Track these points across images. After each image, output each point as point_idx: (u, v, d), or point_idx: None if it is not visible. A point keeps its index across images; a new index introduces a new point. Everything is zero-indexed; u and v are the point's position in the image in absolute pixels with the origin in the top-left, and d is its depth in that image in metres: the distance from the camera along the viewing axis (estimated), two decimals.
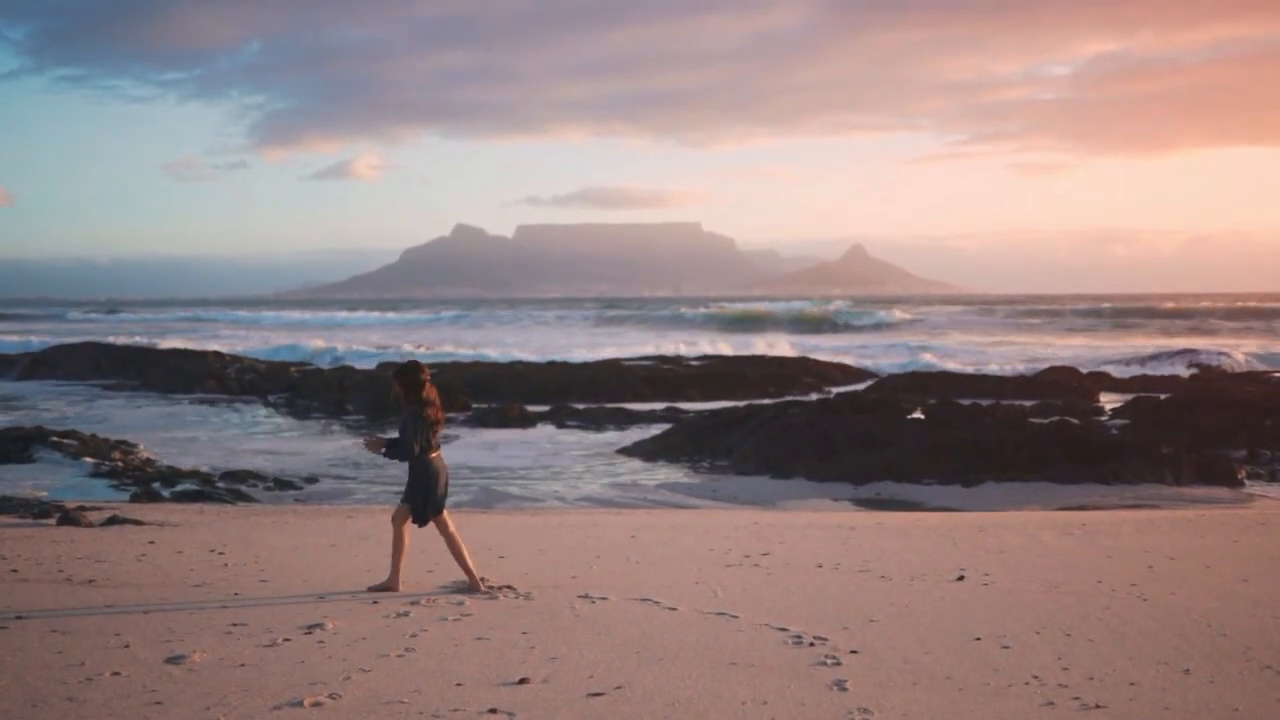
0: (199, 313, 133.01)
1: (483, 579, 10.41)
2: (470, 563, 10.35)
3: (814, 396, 37.12)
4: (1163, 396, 33.95)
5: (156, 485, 21.24)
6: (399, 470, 23.69)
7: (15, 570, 11.25)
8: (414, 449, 10.09)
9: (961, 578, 11.09)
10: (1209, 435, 25.41)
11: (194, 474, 22.65)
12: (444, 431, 11.42)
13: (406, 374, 10.29)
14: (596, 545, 13.03)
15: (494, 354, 58.67)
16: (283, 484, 21.61)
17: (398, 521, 10.29)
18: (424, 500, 10.20)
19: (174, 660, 7.80)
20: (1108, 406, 33.87)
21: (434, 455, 10.24)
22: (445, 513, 10.35)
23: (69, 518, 14.71)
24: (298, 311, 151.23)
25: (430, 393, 10.22)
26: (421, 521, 10.26)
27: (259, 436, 30.31)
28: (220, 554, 12.37)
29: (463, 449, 27.06)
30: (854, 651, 8.23)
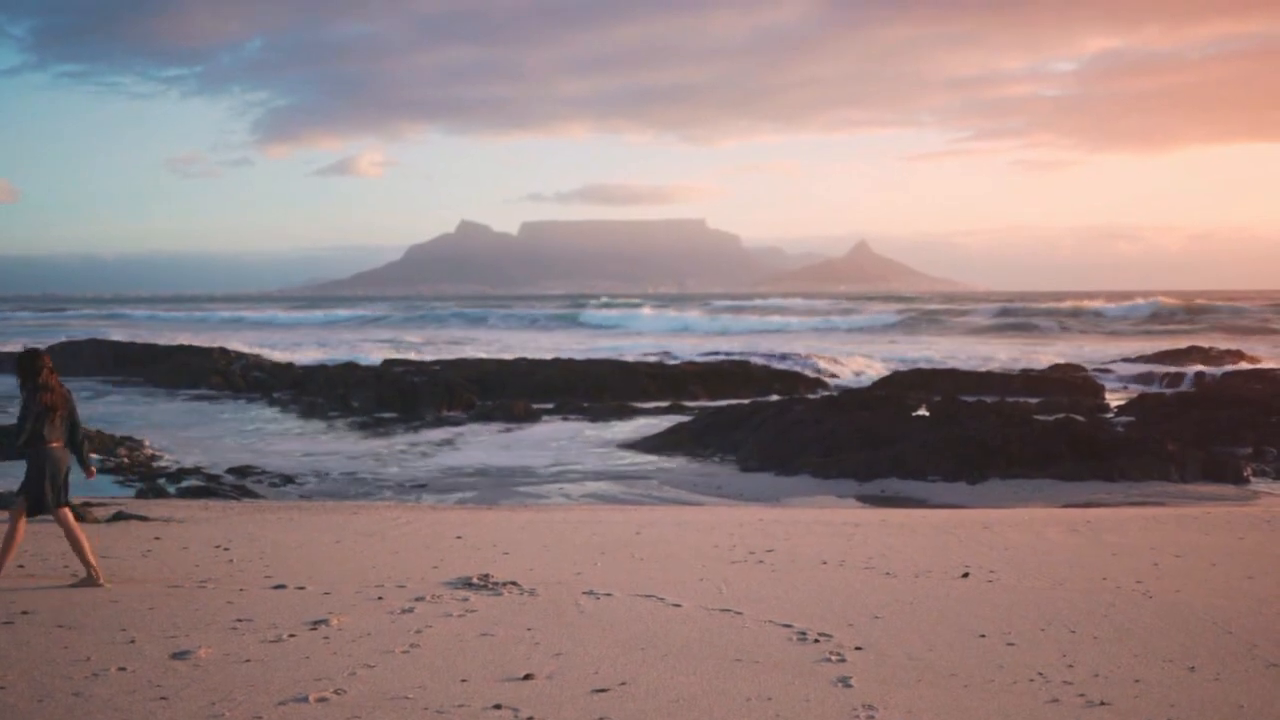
0: (243, 313, 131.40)
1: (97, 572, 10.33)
2: (92, 557, 10.30)
3: (819, 394, 37.11)
4: (1168, 393, 33.95)
5: (162, 481, 21.28)
6: (407, 467, 23.76)
7: (22, 566, 11.27)
8: (23, 435, 10.12)
9: (966, 575, 11.09)
10: (1214, 433, 25.38)
11: (199, 470, 22.69)
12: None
13: (22, 362, 10.36)
14: (601, 542, 13.04)
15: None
16: (288, 479, 21.64)
17: (14, 514, 10.33)
18: (41, 489, 10.16)
19: (180, 656, 7.82)
20: (1113, 404, 33.85)
21: (53, 445, 10.23)
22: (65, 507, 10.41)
23: (75, 513, 14.72)
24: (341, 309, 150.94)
25: (48, 379, 10.24)
26: (39, 510, 10.18)
27: (264, 433, 30.34)
28: (225, 550, 12.39)
29: (467, 446, 27.07)
30: (858, 648, 8.23)
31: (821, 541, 13.19)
